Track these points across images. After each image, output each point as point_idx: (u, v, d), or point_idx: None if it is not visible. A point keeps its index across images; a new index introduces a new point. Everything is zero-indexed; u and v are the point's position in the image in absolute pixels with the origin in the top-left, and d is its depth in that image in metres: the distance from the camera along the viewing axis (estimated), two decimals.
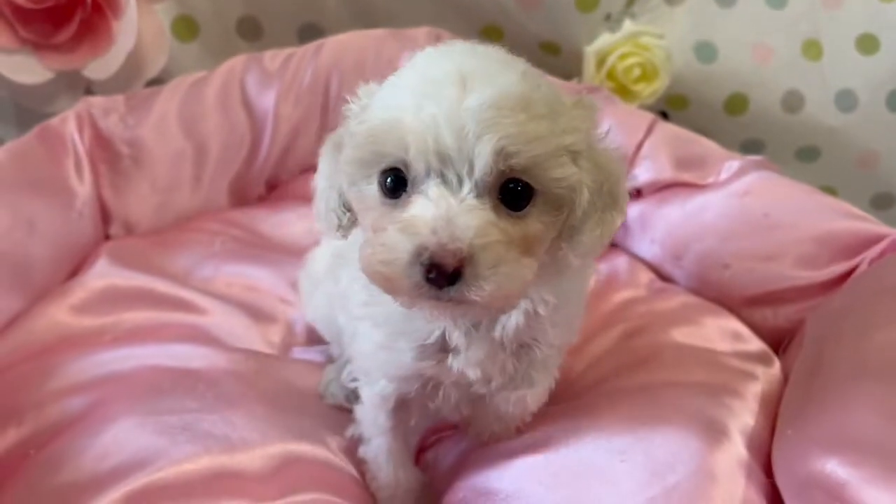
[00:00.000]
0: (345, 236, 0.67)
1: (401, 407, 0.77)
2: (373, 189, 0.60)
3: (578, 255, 0.63)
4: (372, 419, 0.78)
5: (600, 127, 0.64)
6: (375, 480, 0.81)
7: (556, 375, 0.80)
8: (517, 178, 0.57)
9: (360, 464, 0.83)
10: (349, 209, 0.65)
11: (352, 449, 0.84)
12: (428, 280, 0.54)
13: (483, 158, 0.55)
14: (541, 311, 0.66)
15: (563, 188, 0.58)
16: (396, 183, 0.58)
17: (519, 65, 0.61)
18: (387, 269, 0.56)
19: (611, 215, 0.62)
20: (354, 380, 0.81)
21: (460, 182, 0.56)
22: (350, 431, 0.84)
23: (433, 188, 0.56)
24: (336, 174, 0.64)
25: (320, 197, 0.68)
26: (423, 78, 0.58)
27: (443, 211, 0.55)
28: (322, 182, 0.68)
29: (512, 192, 0.57)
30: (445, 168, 0.56)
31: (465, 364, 0.69)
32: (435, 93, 0.56)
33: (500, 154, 0.55)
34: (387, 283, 0.57)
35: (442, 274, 0.53)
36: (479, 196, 0.56)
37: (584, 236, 0.61)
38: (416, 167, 0.57)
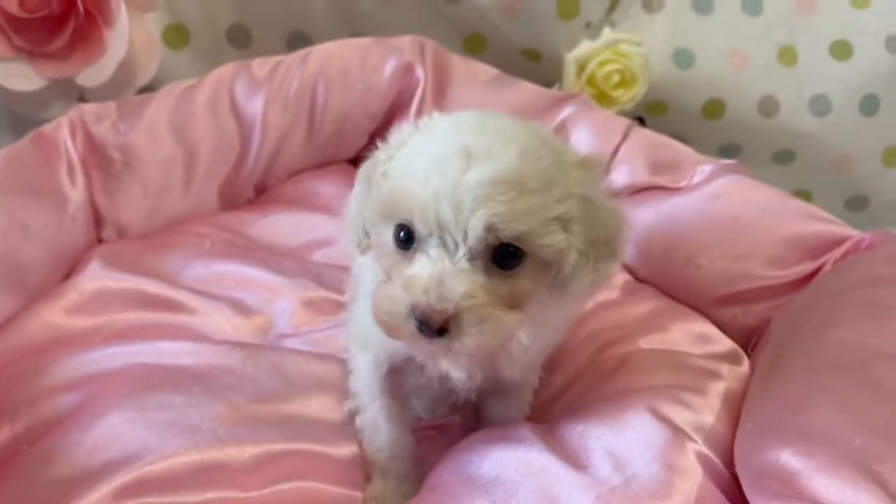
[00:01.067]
0: (363, 254, 0.76)
1: (393, 372, 0.84)
2: (388, 236, 0.68)
3: (568, 302, 0.71)
4: (367, 385, 0.85)
5: (603, 181, 0.71)
6: (373, 444, 0.86)
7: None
8: (509, 243, 0.63)
9: (359, 438, 0.87)
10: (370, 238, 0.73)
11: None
12: (420, 330, 0.63)
13: (475, 230, 0.62)
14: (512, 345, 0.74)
15: (550, 253, 0.65)
16: (408, 237, 0.66)
17: (522, 138, 0.66)
18: (389, 319, 0.65)
19: (605, 265, 0.69)
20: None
21: (456, 246, 0.63)
22: (347, 406, 0.88)
23: (433, 250, 0.64)
24: (365, 202, 0.72)
25: (350, 215, 0.76)
26: (434, 151, 0.65)
27: (436, 273, 0.63)
28: (354, 205, 0.75)
29: (504, 254, 0.64)
30: (444, 234, 0.63)
31: (451, 366, 0.76)
32: (440, 168, 0.63)
33: (490, 228, 0.62)
34: (389, 329, 0.66)
35: (430, 328, 0.62)
36: (471, 259, 0.63)
37: (574, 285, 0.68)
38: (421, 230, 0.64)
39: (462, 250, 0.63)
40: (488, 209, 0.61)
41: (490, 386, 0.83)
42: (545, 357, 0.86)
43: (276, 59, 1.27)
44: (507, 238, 0.63)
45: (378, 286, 0.68)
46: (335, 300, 1.07)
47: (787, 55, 1.52)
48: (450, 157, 0.63)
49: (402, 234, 0.66)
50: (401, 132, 0.72)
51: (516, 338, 0.73)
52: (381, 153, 0.71)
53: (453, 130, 0.67)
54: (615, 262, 0.70)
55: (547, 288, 0.69)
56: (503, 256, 0.64)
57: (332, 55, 1.28)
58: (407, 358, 0.80)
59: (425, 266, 0.64)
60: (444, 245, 0.63)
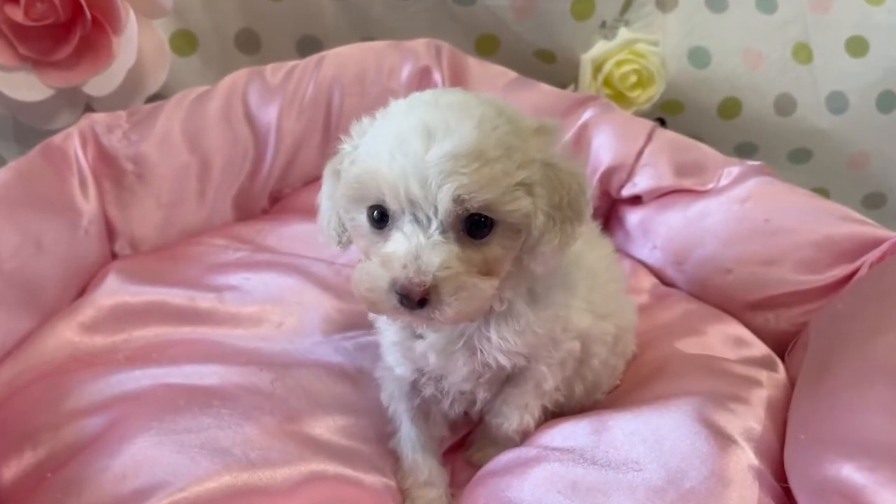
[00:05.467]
0: (344, 249, 0.78)
1: (415, 391, 0.84)
2: (363, 219, 0.70)
3: (539, 265, 0.71)
4: (395, 404, 0.87)
5: (561, 143, 0.72)
6: (400, 469, 0.87)
7: (533, 417, 0.83)
8: (478, 212, 0.65)
9: (393, 462, 0.88)
10: (347, 228, 0.75)
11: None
12: (401, 303, 0.65)
13: (444, 203, 0.64)
14: (495, 307, 0.74)
15: (517, 217, 0.67)
16: (381, 215, 0.69)
17: (476, 111, 0.67)
18: (371, 295, 0.67)
19: (570, 226, 0.71)
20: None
21: (429, 220, 0.66)
22: (390, 427, 0.89)
23: (407, 226, 0.66)
24: (335, 197, 0.74)
25: (323, 215, 0.78)
26: (395, 132, 0.67)
27: (412, 248, 0.65)
28: (324, 202, 0.78)
29: (475, 223, 0.66)
30: (416, 210, 0.65)
31: (427, 348, 0.77)
32: (403, 147, 0.65)
33: (458, 200, 0.64)
34: (372, 305, 0.69)
35: (411, 301, 0.64)
36: (444, 232, 0.66)
37: (543, 248, 0.70)
38: (393, 208, 0.67)
39: (434, 224, 0.65)
40: (454, 182, 0.63)
41: (497, 388, 0.83)
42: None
43: (289, 64, 1.25)
44: (475, 208, 0.65)
45: (357, 265, 0.70)
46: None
47: (803, 52, 1.51)
48: (411, 135, 0.65)
49: (375, 213, 0.69)
50: (361, 125, 0.74)
51: (500, 304, 0.74)
52: (346, 146, 0.74)
53: (410, 110, 0.70)
54: (580, 222, 0.72)
55: (519, 254, 0.70)
56: (474, 226, 0.66)
57: (346, 59, 1.25)
58: (420, 372, 0.82)
59: (401, 242, 0.66)
60: (416, 221, 0.66)
